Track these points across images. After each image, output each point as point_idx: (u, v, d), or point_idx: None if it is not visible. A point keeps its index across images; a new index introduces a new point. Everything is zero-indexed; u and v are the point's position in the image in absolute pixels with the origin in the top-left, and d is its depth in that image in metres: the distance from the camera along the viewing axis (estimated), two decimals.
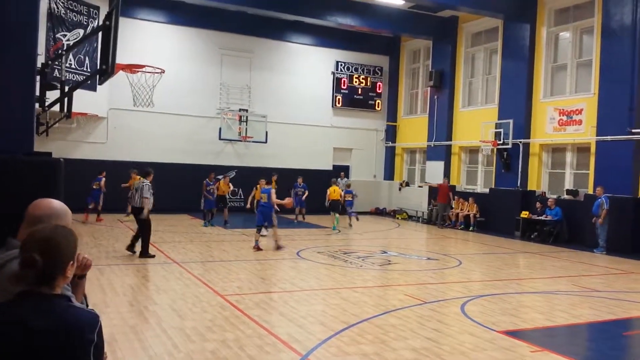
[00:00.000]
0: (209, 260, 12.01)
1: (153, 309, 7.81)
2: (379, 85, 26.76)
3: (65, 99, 8.19)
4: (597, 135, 16.83)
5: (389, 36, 26.15)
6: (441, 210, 21.59)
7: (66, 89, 8.36)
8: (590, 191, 17.02)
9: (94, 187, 18.26)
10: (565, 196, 18.23)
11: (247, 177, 23.20)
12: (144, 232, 11.94)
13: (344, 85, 25.94)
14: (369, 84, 26.54)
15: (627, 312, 8.93)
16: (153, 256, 11.90)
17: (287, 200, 14.32)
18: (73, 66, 18.28)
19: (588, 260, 14.35)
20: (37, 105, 8.01)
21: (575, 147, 18.49)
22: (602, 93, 16.78)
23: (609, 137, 16.34)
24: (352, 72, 26.13)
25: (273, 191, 13.58)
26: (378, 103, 26.76)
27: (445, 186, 21.53)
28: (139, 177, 13.75)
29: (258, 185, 16.03)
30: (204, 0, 20.66)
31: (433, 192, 22.99)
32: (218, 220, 18.73)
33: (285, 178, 22.74)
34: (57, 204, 2.55)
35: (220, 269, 10.98)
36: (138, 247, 12.01)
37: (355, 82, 26.20)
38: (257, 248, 13.37)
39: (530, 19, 19.57)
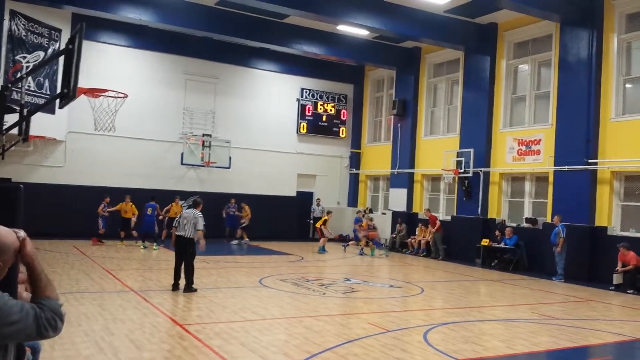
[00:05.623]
0: (168, 288, 11.73)
1: (109, 339, 7.56)
2: (344, 112, 27.00)
3: (24, 123, 8.00)
4: (554, 165, 17.26)
5: (353, 65, 26.46)
6: (439, 240, 20.39)
7: (25, 112, 8.16)
8: (549, 220, 17.36)
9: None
10: (525, 224, 18.56)
11: (209, 202, 22.91)
12: (191, 264, 11.57)
13: (308, 112, 26.08)
14: (333, 111, 26.75)
15: (586, 340, 9.07)
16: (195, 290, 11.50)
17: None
18: (32, 88, 17.88)
19: (547, 288, 14.57)
20: None
21: (534, 177, 18.92)
22: (560, 124, 17.26)
23: (566, 167, 16.77)
24: (317, 99, 26.32)
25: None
26: (342, 130, 26.97)
27: (433, 216, 20.98)
28: (183, 206, 13.38)
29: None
30: (168, 25, 20.55)
31: (394, 218, 23.13)
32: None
33: (249, 204, 22.57)
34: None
35: (180, 298, 10.74)
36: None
37: (320, 109, 26.38)
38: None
39: (490, 52, 20.10)
